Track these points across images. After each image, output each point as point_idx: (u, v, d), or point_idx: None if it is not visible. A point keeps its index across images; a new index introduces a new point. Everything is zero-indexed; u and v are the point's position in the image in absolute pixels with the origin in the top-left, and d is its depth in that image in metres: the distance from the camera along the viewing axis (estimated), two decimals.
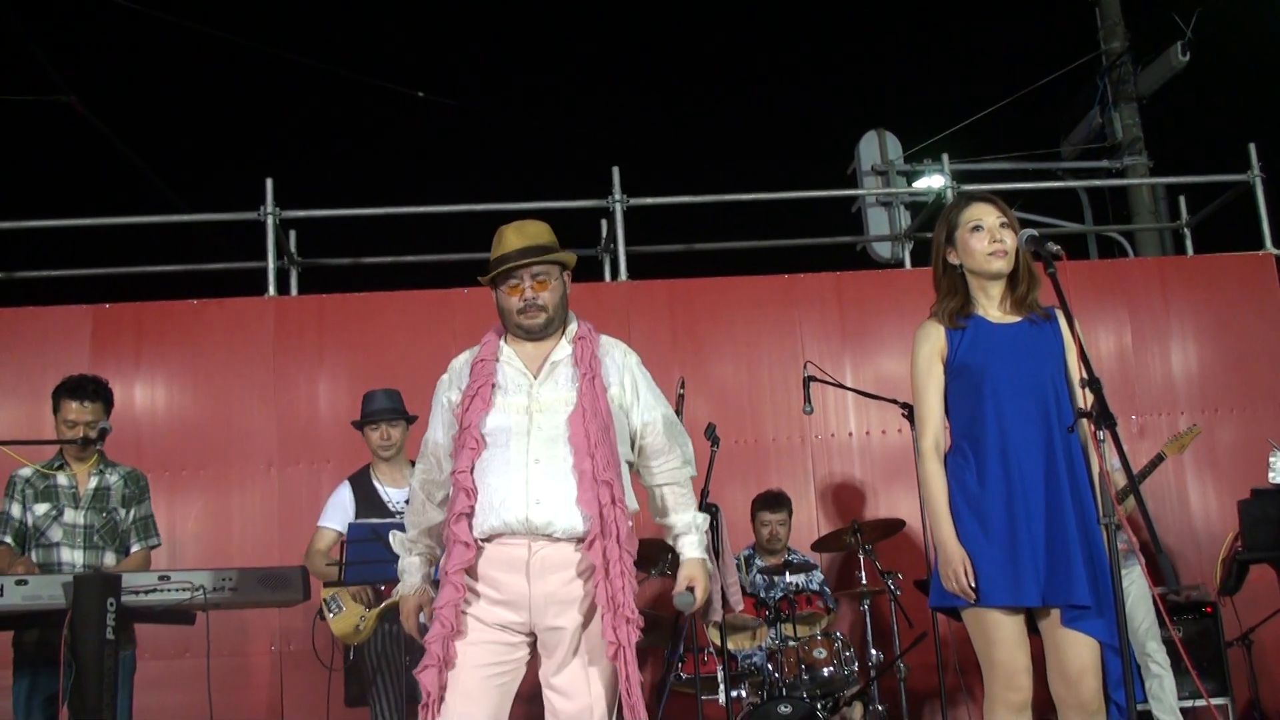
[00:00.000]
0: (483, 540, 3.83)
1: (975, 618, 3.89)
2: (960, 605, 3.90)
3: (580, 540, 3.78)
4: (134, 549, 5.92)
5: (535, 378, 3.97)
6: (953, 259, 4.11)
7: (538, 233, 4.08)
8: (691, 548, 4.06)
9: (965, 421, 4.00)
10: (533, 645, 3.86)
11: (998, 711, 3.85)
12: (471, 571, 3.82)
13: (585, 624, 3.78)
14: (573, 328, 4.10)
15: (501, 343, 4.09)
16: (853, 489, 8.09)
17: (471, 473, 3.84)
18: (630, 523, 3.86)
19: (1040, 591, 3.78)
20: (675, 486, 4.12)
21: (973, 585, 3.82)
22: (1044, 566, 3.77)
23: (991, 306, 4.06)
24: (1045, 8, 15.89)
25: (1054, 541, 3.78)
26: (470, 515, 3.82)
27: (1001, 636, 3.83)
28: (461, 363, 4.13)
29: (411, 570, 4.14)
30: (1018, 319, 4.02)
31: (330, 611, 5.93)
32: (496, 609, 3.80)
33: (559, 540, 3.79)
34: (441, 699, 3.73)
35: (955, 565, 3.84)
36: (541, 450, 3.83)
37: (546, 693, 3.81)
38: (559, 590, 3.78)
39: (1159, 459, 7.19)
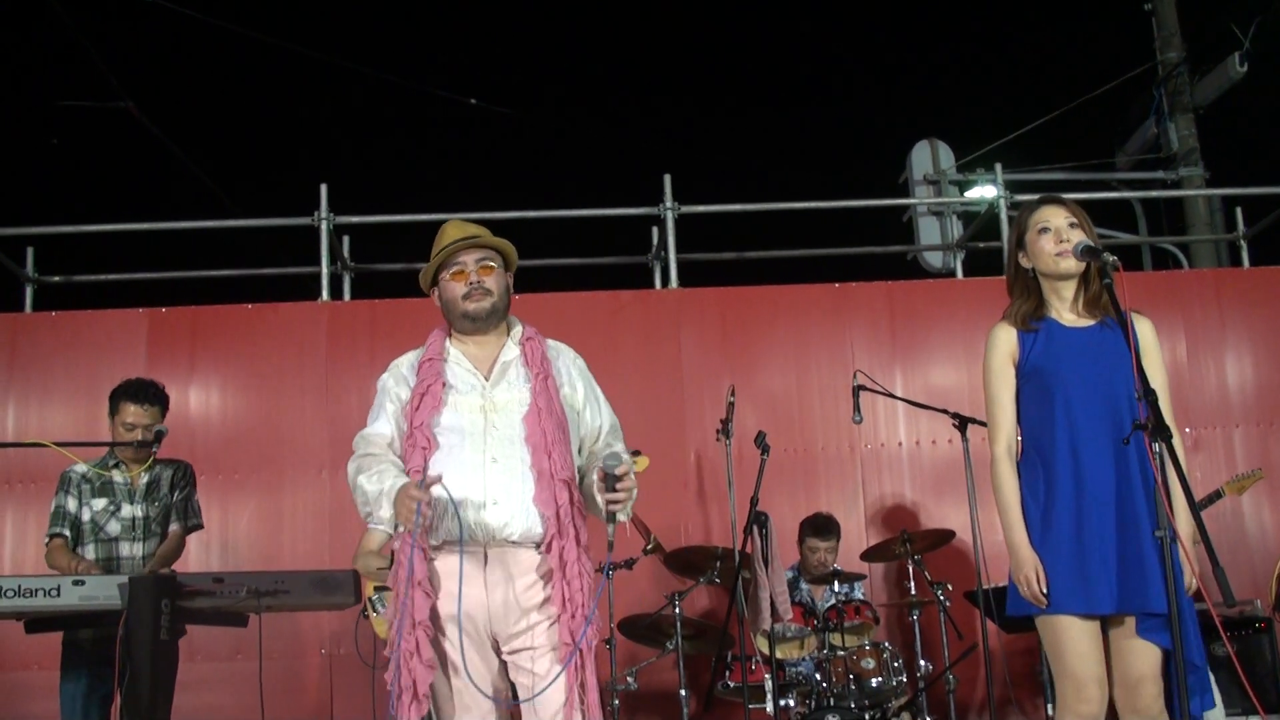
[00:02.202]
0: (435, 547, 3.79)
1: (1047, 625, 3.89)
2: (1033, 613, 3.90)
3: (538, 545, 3.77)
4: (173, 527, 5.95)
5: (487, 379, 3.95)
6: (1024, 262, 4.12)
7: (479, 230, 4.11)
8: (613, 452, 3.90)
9: (1036, 426, 4.00)
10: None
11: None
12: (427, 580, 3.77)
13: (549, 628, 3.76)
14: (518, 330, 4.11)
15: (447, 343, 4.07)
16: (902, 499, 8.05)
17: (425, 473, 3.77)
18: (585, 522, 3.86)
19: (1115, 599, 3.77)
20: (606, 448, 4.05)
21: (1044, 591, 3.82)
22: (1116, 574, 3.76)
23: (1064, 309, 4.06)
24: (1101, 17, 15.76)
25: (1127, 549, 3.76)
26: (425, 518, 3.72)
27: (1072, 645, 3.82)
28: (407, 362, 4.09)
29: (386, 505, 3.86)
30: (1092, 322, 4.02)
31: (375, 610, 5.95)
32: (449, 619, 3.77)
33: (516, 545, 3.77)
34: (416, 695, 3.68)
35: (1027, 571, 3.86)
36: (498, 450, 3.80)
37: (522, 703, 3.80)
38: (517, 597, 3.77)
39: (1218, 495, 7.12)
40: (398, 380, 4.05)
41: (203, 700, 6.90)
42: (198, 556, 7.28)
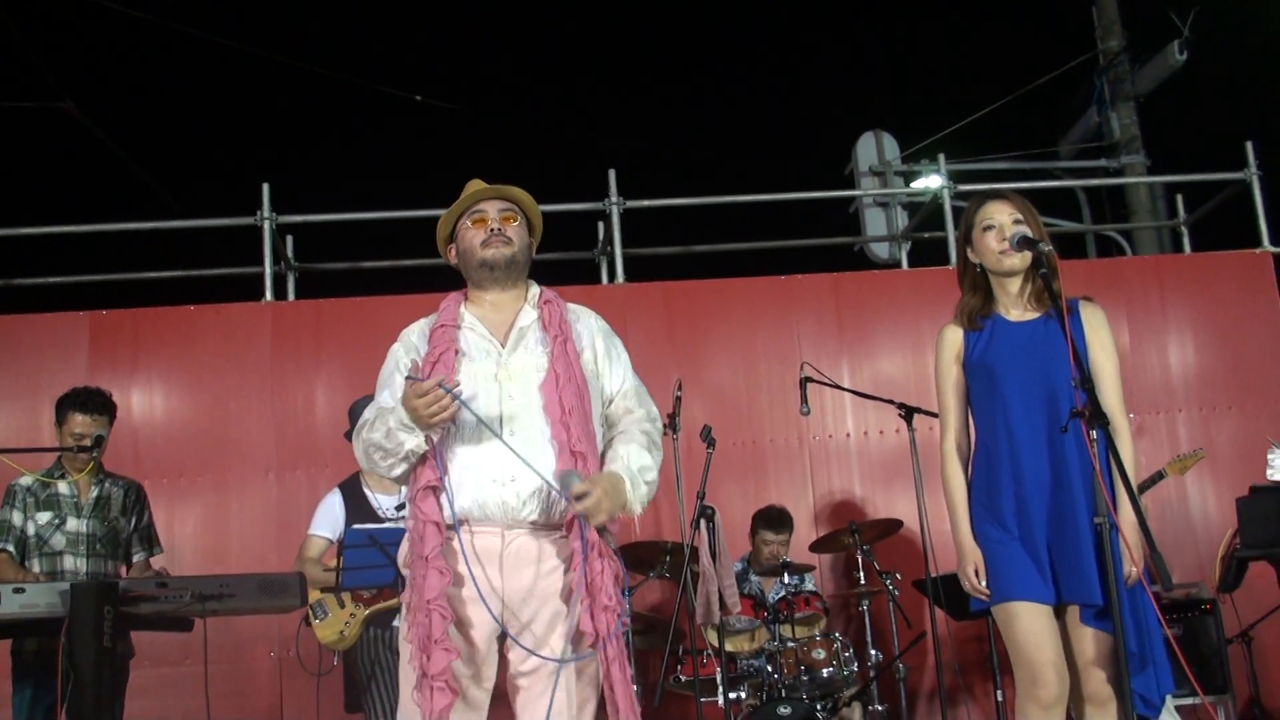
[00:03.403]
0: (450, 526, 3.54)
1: (1001, 615, 3.95)
2: (992, 603, 3.97)
3: (556, 526, 3.56)
4: (137, 558, 5.96)
5: (503, 345, 3.73)
6: (973, 258, 4.17)
7: (507, 186, 3.93)
8: (624, 461, 3.66)
9: (983, 422, 4.10)
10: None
11: (1027, 708, 3.88)
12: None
13: (565, 616, 3.55)
14: (534, 291, 3.88)
15: (462, 309, 3.85)
16: (850, 490, 8.09)
17: (438, 445, 3.57)
18: None
19: (1057, 589, 3.85)
20: (624, 433, 3.78)
21: (983, 584, 3.92)
22: (1066, 564, 3.83)
23: (1011, 304, 4.11)
24: (1042, 7, 15.90)
25: (1064, 541, 3.83)
26: (438, 490, 3.55)
27: (1025, 632, 3.86)
28: (418, 330, 3.87)
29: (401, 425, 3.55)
30: (1038, 315, 4.06)
31: (316, 617, 5.93)
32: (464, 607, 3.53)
33: (535, 527, 3.56)
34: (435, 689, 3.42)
35: (967, 566, 3.97)
36: (515, 421, 3.58)
37: (522, 695, 3.61)
38: (536, 584, 3.56)
39: (1159, 476, 7.20)
40: (408, 349, 3.81)
41: (150, 706, 6.84)
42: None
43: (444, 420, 3.47)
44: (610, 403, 3.84)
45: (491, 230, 3.81)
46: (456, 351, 3.70)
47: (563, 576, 3.57)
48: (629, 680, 3.54)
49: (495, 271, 3.81)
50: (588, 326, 3.87)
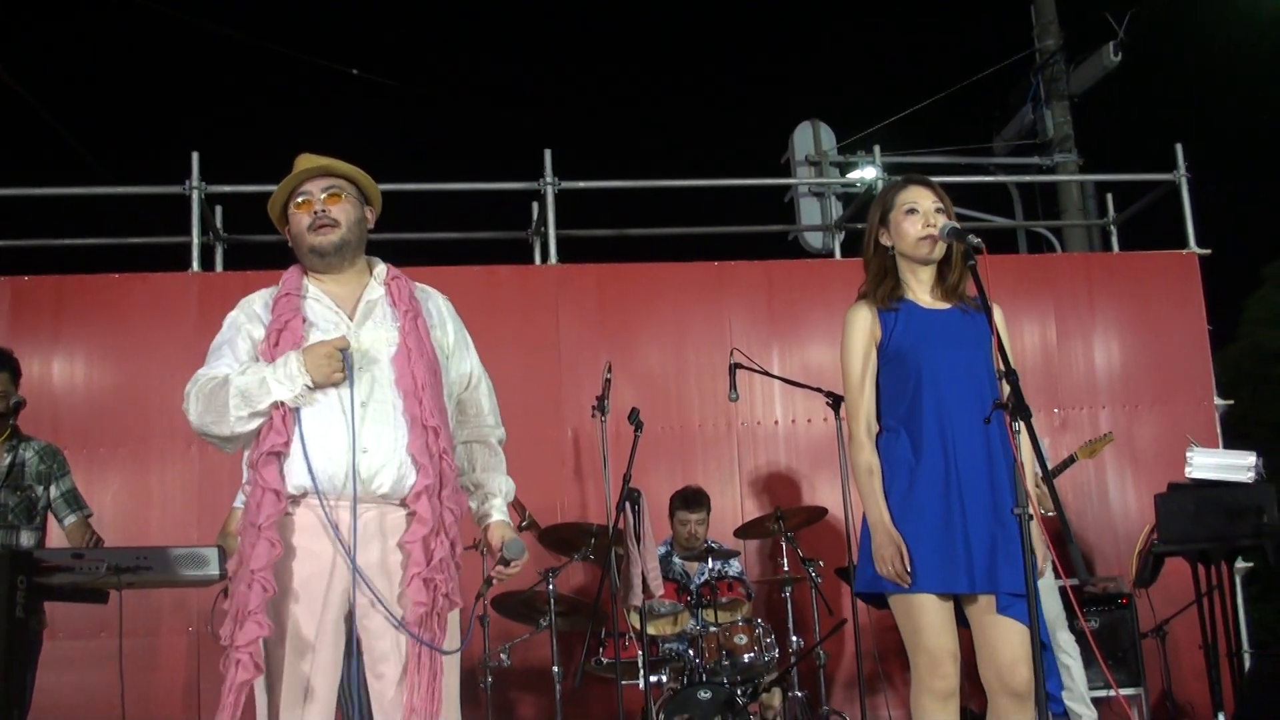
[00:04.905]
0: (291, 497, 3.44)
1: (903, 604, 3.86)
2: (887, 591, 3.87)
3: (404, 500, 3.48)
4: (69, 521, 5.83)
5: (351, 319, 3.63)
6: (885, 240, 4.05)
7: (334, 161, 3.76)
8: (500, 511, 3.78)
9: (901, 406, 3.94)
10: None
11: (923, 699, 3.83)
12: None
13: (407, 591, 3.44)
14: (381, 269, 3.77)
15: (305, 280, 3.71)
16: (777, 477, 8.12)
17: (285, 415, 3.44)
18: (457, 478, 3.61)
19: (971, 579, 3.75)
20: (484, 445, 3.86)
21: (908, 569, 3.78)
22: (982, 554, 3.75)
23: (922, 291, 4.01)
24: (982, 5, 16.03)
25: (995, 529, 3.75)
26: (282, 457, 3.42)
27: (929, 623, 3.80)
28: (260, 299, 3.71)
29: (284, 373, 3.46)
30: (948, 306, 3.98)
31: None
32: (303, 584, 3.43)
33: (384, 501, 3.48)
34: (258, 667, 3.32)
35: (890, 549, 3.80)
36: (366, 394, 3.48)
37: (372, 680, 3.50)
38: (384, 559, 3.47)
39: (1071, 460, 7.29)
40: (250, 317, 3.66)
41: (64, 678, 6.75)
42: (61, 532, 7.09)
43: (336, 380, 3.43)
44: (464, 386, 3.83)
45: (316, 213, 3.66)
46: (304, 320, 3.59)
47: (402, 552, 3.48)
48: (439, 667, 3.44)
49: (326, 257, 3.67)
50: (437, 306, 3.83)
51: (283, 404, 3.43)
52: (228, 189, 8.47)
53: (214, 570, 5.04)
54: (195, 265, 8.14)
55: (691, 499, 7.23)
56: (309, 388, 3.43)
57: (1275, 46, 15.59)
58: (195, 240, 8.17)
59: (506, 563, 3.65)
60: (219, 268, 8.47)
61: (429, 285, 3.91)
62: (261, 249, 8.91)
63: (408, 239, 8.76)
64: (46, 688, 5.73)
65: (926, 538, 3.80)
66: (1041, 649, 3.50)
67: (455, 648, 3.53)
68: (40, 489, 5.77)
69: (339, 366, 3.43)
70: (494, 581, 3.73)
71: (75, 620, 6.76)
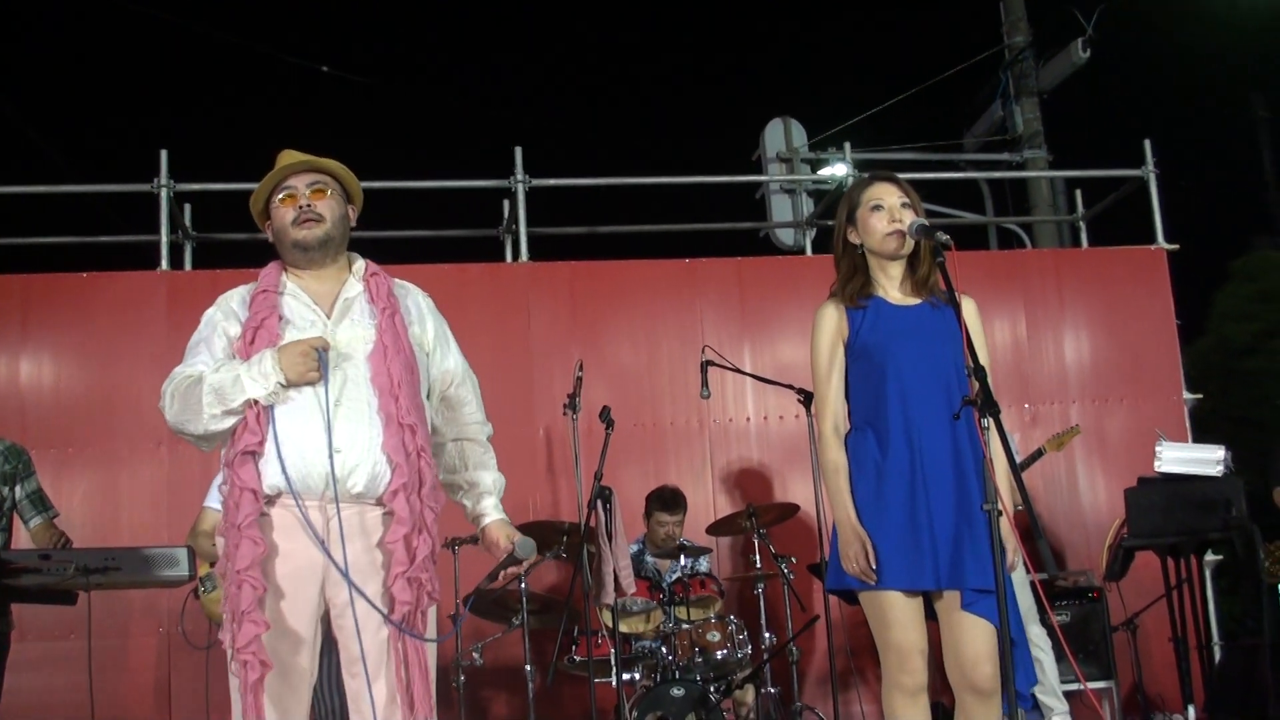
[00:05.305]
0: (267, 497, 3.44)
1: (872, 600, 3.87)
2: (856, 588, 3.88)
3: (380, 499, 3.48)
4: (35, 522, 5.76)
5: (329, 316, 3.62)
6: (853, 238, 4.06)
7: (320, 158, 3.77)
8: (497, 509, 3.80)
9: (868, 404, 3.96)
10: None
11: (893, 695, 3.85)
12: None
13: (385, 593, 3.45)
14: (360, 265, 3.77)
15: (284, 277, 3.71)
16: (749, 474, 8.12)
17: (266, 411, 3.45)
18: (435, 475, 3.60)
19: (937, 576, 3.76)
20: (475, 443, 3.85)
21: (873, 566, 3.79)
22: (947, 550, 3.75)
23: (892, 288, 4.02)
24: (951, 2, 16.09)
25: (961, 525, 3.76)
26: (257, 456, 3.42)
27: (897, 619, 3.81)
28: (238, 296, 3.70)
29: (258, 370, 3.45)
30: (918, 301, 3.99)
31: (205, 590, 5.82)
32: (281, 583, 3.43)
33: (359, 500, 3.46)
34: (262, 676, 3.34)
35: (855, 547, 3.81)
36: (341, 392, 3.47)
37: (347, 680, 3.50)
38: (358, 559, 3.45)
39: (1039, 453, 7.33)
40: (226, 314, 3.65)
41: (32, 681, 6.72)
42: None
43: (311, 380, 3.42)
44: (449, 383, 3.82)
45: (301, 208, 3.66)
46: (280, 318, 3.58)
47: (383, 551, 3.48)
48: (426, 664, 3.47)
49: (309, 252, 3.67)
50: (416, 302, 3.82)
51: (257, 402, 3.42)
52: (196, 187, 8.41)
53: (184, 571, 5.03)
54: (164, 264, 8.09)
55: (670, 501, 7.23)
56: (283, 385, 3.43)
57: (1241, 42, 15.71)
58: (164, 239, 8.11)
59: (519, 561, 3.66)
60: (188, 266, 8.41)
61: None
62: (231, 247, 8.87)
63: (378, 236, 8.72)
64: (15, 690, 5.68)
65: (892, 534, 3.81)
66: (1013, 645, 3.51)
67: (438, 639, 3.55)
68: (5, 489, 5.72)
69: (314, 365, 3.42)
70: (498, 576, 3.70)
71: (44, 622, 6.71)
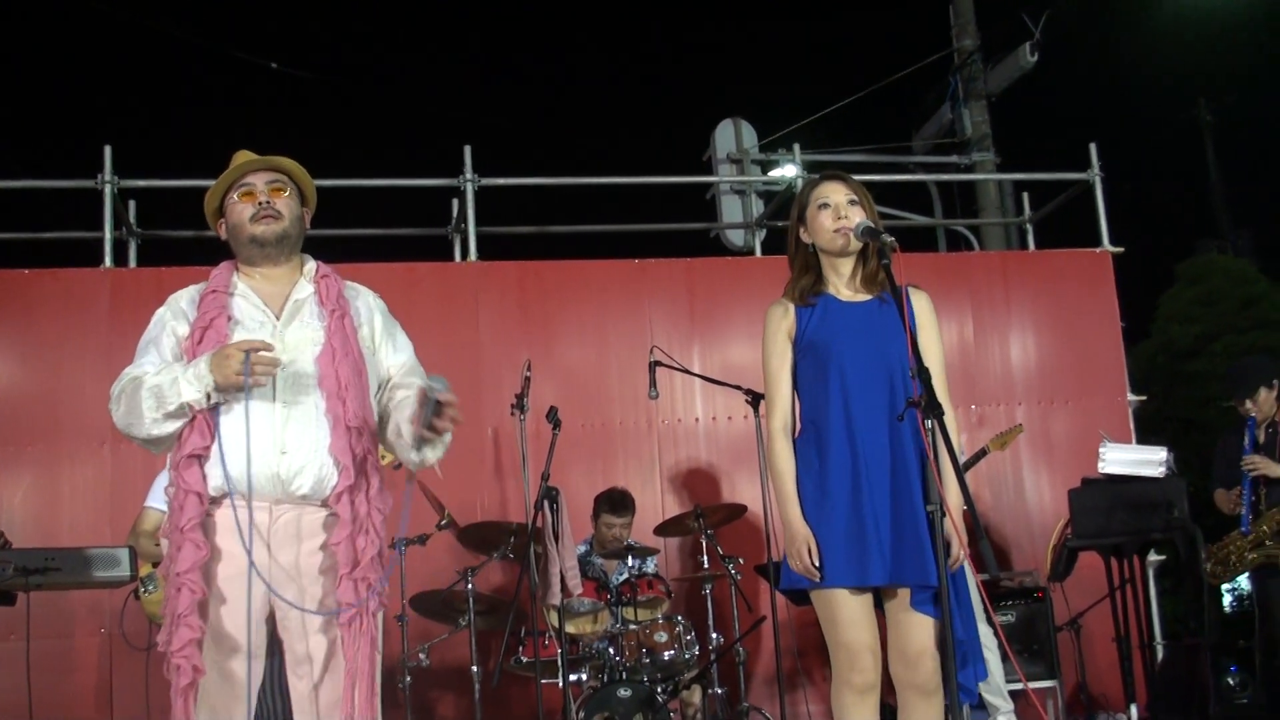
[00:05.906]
0: (212, 499, 3.43)
1: (822, 599, 3.89)
2: (806, 586, 3.90)
3: (325, 500, 3.47)
4: None
5: (278, 317, 3.62)
6: (805, 237, 4.10)
7: (279, 157, 3.76)
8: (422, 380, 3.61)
9: (813, 401, 3.99)
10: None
11: (842, 693, 3.86)
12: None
13: (329, 595, 3.47)
14: (311, 266, 3.77)
15: (234, 277, 3.70)
16: (697, 474, 8.13)
17: (211, 413, 3.43)
18: (381, 479, 3.58)
19: (888, 571, 3.77)
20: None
21: (817, 565, 3.81)
22: (890, 547, 3.76)
23: (842, 285, 4.05)
24: (901, 4, 16.19)
25: (902, 522, 3.78)
26: (203, 459, 3.42)
27: (846, 617, 3.83)
28: (187, 296, 3.68)
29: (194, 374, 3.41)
30: (869, 297, 4.02)
31: (145, 590, 5.76)
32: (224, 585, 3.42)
33: (304, 502, 3.46)
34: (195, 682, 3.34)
35: (799, 545, 3.84)
36: (289, 394, 3.47)
37: (293, 681, 3.50)
38: (300, 560, 3.47)
39: (983, 453, 7.40)
40: (176, 314, 3.64)
41: None
42: None
43: (235, 383, 3.36)
44: (389, 381, 3.77)
45: (260, 204, 3.67)
46: (229, 319, 3.57)
47: (327, 553, 3.48)
48: (375, 665, 3.47)
49: (266, 248, 3.67)
50: (366, 304, 3.80)
51: (197, 405, 3.40)
52: (141, 183, 8.32)
53: (125, 571, 4.98)
54: (108, 261, 8.00)
55: (618, 503, 7.21)
56: (216, 388, 3.40)
57: (1187, 48, 15.90)
58: (108, 235, 8.02)
59: (434, 408, 3.41)
60: (132, 263, 8.33)
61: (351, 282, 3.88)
62: (175, 245, 8.79)
63: (326, 235, 8.65)
64: None
65: (838, 531, 3.83)
66: (967, 641, 3.54)
67: (377, 635, 3.50)
68: None
69: (239, 369, 3.35)
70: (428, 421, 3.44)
71: None
